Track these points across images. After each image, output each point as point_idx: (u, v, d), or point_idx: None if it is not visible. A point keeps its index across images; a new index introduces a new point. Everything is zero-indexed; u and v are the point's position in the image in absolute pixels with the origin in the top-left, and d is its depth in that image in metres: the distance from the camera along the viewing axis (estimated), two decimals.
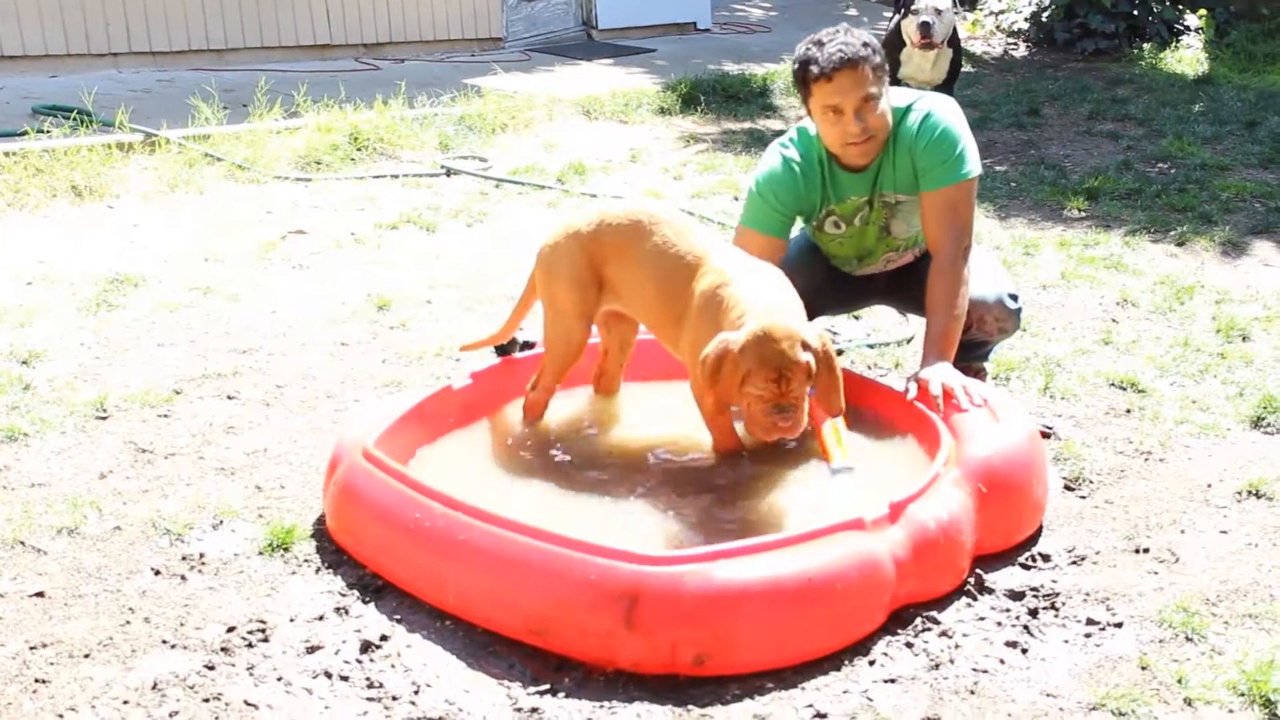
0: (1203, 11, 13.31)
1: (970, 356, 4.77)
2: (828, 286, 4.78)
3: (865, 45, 4.34)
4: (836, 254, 4.80)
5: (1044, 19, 13.38)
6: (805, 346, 3.76)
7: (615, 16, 14.36)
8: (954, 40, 8.78)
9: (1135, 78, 11.86)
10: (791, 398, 3.78)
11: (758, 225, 4.52)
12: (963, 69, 9.39)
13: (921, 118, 4.43)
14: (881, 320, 5.85)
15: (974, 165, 4.44)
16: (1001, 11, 14.08)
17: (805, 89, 4.41)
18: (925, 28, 8.48)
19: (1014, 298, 4.72)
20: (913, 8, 8.54)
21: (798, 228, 4.74)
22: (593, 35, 14.30)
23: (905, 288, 4.83)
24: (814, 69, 4.32)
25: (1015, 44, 13.74)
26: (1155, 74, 12.03)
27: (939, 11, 8.53)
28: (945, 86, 8.67)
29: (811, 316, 4.20)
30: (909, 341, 5.51)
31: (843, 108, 4.32)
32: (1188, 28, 13.26)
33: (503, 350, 4.72)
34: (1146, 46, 12.77)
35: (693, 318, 4.02)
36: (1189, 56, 12.67)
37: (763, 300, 3.87)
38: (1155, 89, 11.37)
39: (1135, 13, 12.91)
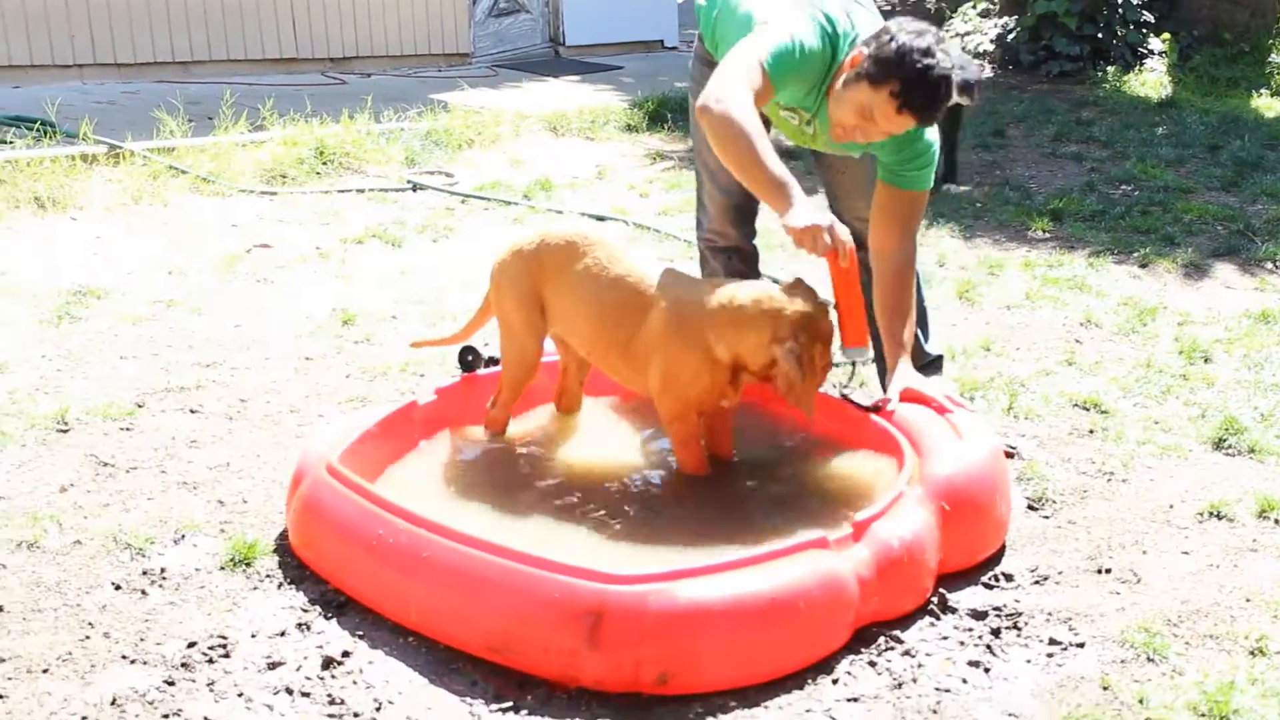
0: (1166, 35, 13.40)
1: (924, 368, 4.81)
2: None
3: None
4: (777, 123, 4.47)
5: (1009, 41, 13.44)
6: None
7: (583, 33, 14.39)
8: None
9: (1099, 100, 11.93)
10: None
11: (778, 81, 3.95)
12: None
13: None
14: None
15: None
16: (967, 34, 14.14)
17: (882, 81, 3.83)
18: (967, 87, 7.01)
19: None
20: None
21: None
22: (560, 52, 14.31)
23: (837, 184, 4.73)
24: (910, 95, 3.83)
25: (981, 66, 13.80)
26: (1119, 97, 12.11)
27: (962, 67, 6.97)
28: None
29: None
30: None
31: (891, 132, 4.00)
32: (1151, 51, 13.35)
33: (467, 366, 4.70)
34: (1111, 69, 12.84)
35: (661, 344, 4.01)
36: (1152, 80, 12.76)
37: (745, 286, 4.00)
38: (1119, 112, 11.44)
39: (1100, 36, 12.97)
